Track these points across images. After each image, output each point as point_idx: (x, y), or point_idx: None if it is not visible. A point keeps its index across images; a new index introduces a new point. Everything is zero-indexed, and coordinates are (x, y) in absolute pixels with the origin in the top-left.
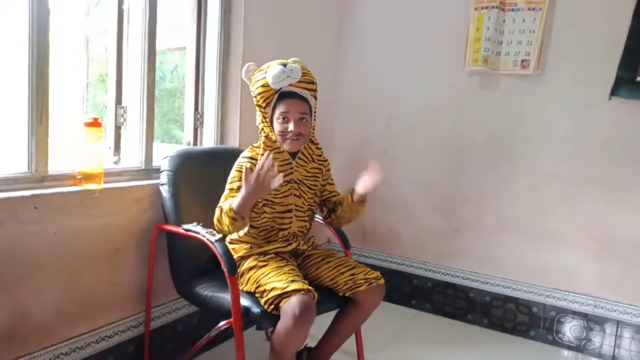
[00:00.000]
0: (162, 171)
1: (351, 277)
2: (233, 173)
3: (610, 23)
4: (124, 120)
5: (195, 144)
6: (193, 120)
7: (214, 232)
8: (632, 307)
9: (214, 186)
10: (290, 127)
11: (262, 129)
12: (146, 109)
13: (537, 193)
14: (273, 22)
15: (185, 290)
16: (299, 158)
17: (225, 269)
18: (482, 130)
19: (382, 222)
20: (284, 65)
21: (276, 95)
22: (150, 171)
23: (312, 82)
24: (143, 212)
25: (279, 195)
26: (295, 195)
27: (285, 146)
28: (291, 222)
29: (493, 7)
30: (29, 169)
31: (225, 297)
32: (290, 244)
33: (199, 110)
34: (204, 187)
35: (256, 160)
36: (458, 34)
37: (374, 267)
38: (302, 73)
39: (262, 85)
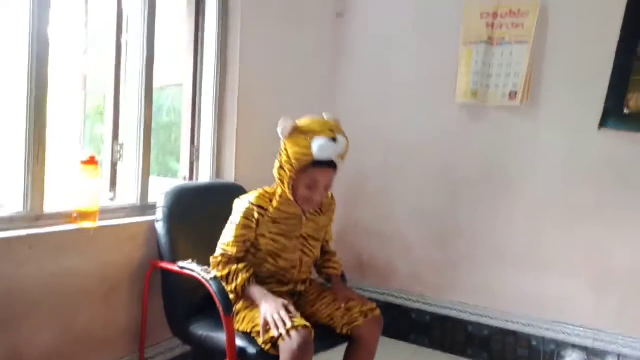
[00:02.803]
0: (157, 207)
1: (347, 312)
2: (238, 218)
3: (595, 56)
4: (121, 156)
5: (191, 178)
6: (189, 155)
7: (209, 269)
8: (632, 339)
9: (210, 222)
10: (317, 197)
11: (282, 181)
12: (143, 146)
13: (531, 222)
14: (268, 57)
15: (180, 329)
16: (310, 213)
17: (220, 308)
18: (475, 161)
19: (379, 255)
20: (334, 139)
21: (312, 162)
22: (146, 207)
23: (346, 149)
24: (138, 249)
25: (286, 252)
26: (301, 251)
27: (303, 207)
28: (294, 277)
29: (481, 42)
30: (24, 208)
31: (221, 337)
32: (287, 285)
33: (195, 144)
34: (200, 223)
35: (266, 210)
36: (448, 68)
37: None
38: (346, 143)
39: (304, 154)
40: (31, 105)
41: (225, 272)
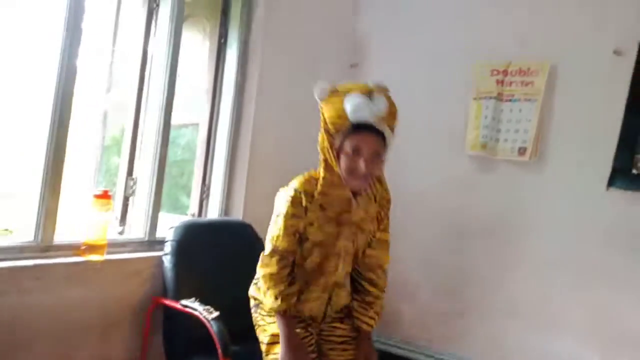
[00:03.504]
0: (166, 241)
1: None
2: (284, 208)
3: (604, 115)
4: (133, 191)
5: (200, 215)
6: (199, 192)
7: (212, 309)
8: None
9: (216, 259)
10: (361, 165)
11: (325, 158)
12: (156, 182)
13: (540, 279)
14: (283, 104)
15: None
16: (361, 197)
17: (219, 349)
18: (484, 213)
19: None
20: (369, 96)
21: (351, 125)
22: (154, 243)
23: (395, 116)
24: (142, 284)
25: (331, 238)
26: (346, 238)
27: (351, 185)
28: (337, 269)
29: (491, 98)
30: (35, 238)
31: None
32: (320, 311)
33: (206, 182)
34: (207, 259)
35: (313, 196)
36: (458, 121)
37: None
38: (388, 104)
39: (339, 114)
40: (52, 137)
41: (272, 284)
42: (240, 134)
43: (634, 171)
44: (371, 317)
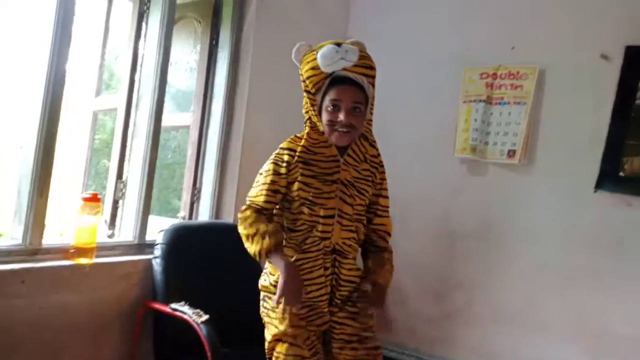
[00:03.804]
0: (156, 244)
1: None
2: (266, 165)
3: (592, 119)
4: (123, 194)
5: (190, 218)
6: (190, 195)
7: (201, 313)
8: None
9: (207, 261)
10: (341, 116)
11: (309, 118)
12: (145, 185)
13: (528, 282)
14: (275, 108)
15: None
16: (349, 155)
17: (209, 353)
18: (473, 216)
19: None
20: (338, 44)
21: (327, 80)
22: (143, 246)
23: (371, 67)
24: (131, 288)
25: (321, 195)
26: (340, 198)
27: (333, 139)
28: (332, 231)
29: (480, 101)
30: (23, 241)
31: None
32: (324, 287)
33: (197, 185)
34: (197, 262)
35: (295, 152)
36: (448, 124)
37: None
38: (360, 56)
39: (312, 68)
40: (40, 140)
41: (252, 231)
42: (232, 136)
43: (621, 174)
44: (388, 271)
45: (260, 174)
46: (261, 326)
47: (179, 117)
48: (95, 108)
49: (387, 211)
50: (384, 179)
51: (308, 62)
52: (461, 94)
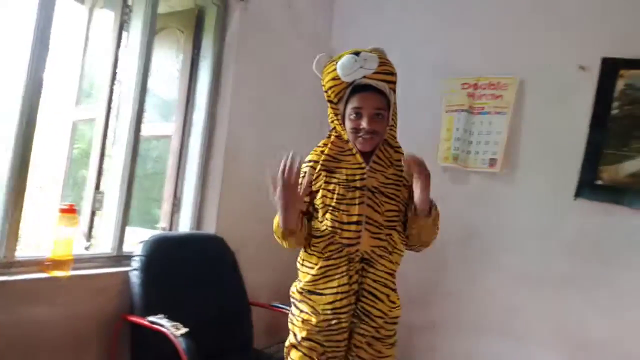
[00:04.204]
0: (135, 256)
1: None
2: None
3: (571, 128)
4: (101, 205)
5: (170, 229)
6: (171, 206)
7: (180, 326)
8: None
9: (188, 274)
10: (363, 124)
11: (334, 127)
12: (124, 196)
13: (509, 290)
14: (258, 117)
15: None
16: (374, 162)
17: None
18: (456, 225)
19: None
20: (357, 54)
21: (349, 89)
22: (121, 258)
23: (392, 73)
24: (109, 300)
25: (344, 201)
26: (367, 204)
27: (358, 145)
28: (359, 238)
29: (462, 111)
30: None
31: None
32: (347, 297)
33: (177, 195)
34: (177, 274)
35: (317, 162)
36: (431, 133)
37: None
38: (380, 62)
39: (333, 78)
40: (17, 151)
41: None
42: (214, 146)
43: (599, 182)
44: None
45: None
46: (241, 337)
47: (161, 126)
48: (75, 118)
49: None
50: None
51: (329, 73)
52: (443, 104)
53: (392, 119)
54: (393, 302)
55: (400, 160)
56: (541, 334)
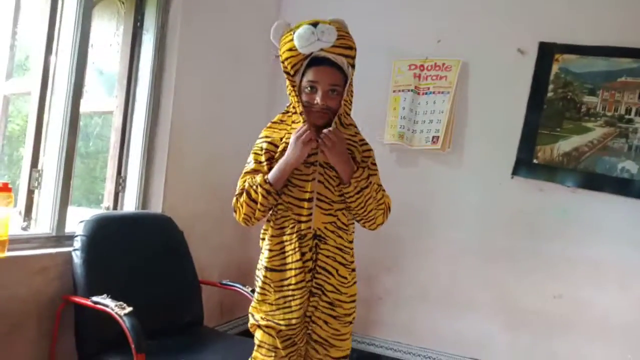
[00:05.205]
0: (76, 236)
1: None
2: (249, 158)
3: (509, 110)
4: (39, 183)
5: (115, 208)
6: (114, 184)
7: (124, 305)
8: None
9: (132, 254)
10: (317, 99)
11: (291, 103)
12: (63, 173)
13: (453, 264)
14: (204, 92)
15: None
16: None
17: (132, 346)
18: (401, 202)
19: None
20: (314, 25)
21: (306, 61)
22: (62, 238)
23: (350, 47)
24: (49, 282)
25: (298, 176)
26: (319, 180)
27: (310, 119)
28: (311, 215)
29: (408, 91)
30: None
31: None
32: (301, 272)
33: (122, 174)
34: (121, 254)
35: (271, 139)
36: (378, 112)
37: None
38: (338, 36)
39: (290, 49)
40: None
41: (242, 199)
42: (159, 122)
43: (535, 161)
44: (365, 179)
45: (246, 166)
46: (190, 315)
47: (103, 102)
48: (7, 92)
49: (379, 187)
50: (368, 156)
51: (286, 43)
52: (391, 84)
53: (348, 95)
54: (343, 277)
55: (352, 136)
56: (481, 304)
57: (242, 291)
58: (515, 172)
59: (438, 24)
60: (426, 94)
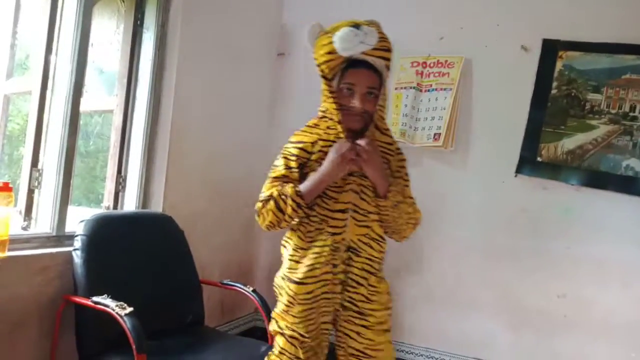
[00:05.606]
0: (76, 236)
1: None
2: (279, 161)
3: (513, 108)
4: (39, 183)
5: (115, 207)
6: (115, 184)
7: (125, 305)
8: None
9: (132, 254)
10: (355, 102)
11: (325, 102)
12: (63, 173)
13: (457, 263)
14: (205, 91)
15: None
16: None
17: (133, 346)
18: None
19: None
20: (357, 26)
21: (344, 64)
22: (62, 237)
23: (389, 50)
24: (50, 282)
25: (334, 188)
26: (354, 191)
27: (347, 123)
28: (345, 227)
29: (411, 88)
30: None
31: None
32: (330, 284)
33: (122, 173)
34: (122, 254)
35: (303, 144)
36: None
37: None
38: (379, 38)
39: (329, 52)
40: None
41: (269, 206)
42: (159, 121)
43: (538, 159)
44: (400, 193)
45: (271, 170)
46: (191, 315)
47: (103, 101)
48: (8, 91)
49: (411, 200)
50: (402, 167)
51: (323, 46)
52: (393, 81)
53: (383, 99)
54: (372, 286)
55: (388, 144)
56: (485, 304)
57: (243, 291)
58: (518, 170)
59: (441, 21)
60: (428, 91)
